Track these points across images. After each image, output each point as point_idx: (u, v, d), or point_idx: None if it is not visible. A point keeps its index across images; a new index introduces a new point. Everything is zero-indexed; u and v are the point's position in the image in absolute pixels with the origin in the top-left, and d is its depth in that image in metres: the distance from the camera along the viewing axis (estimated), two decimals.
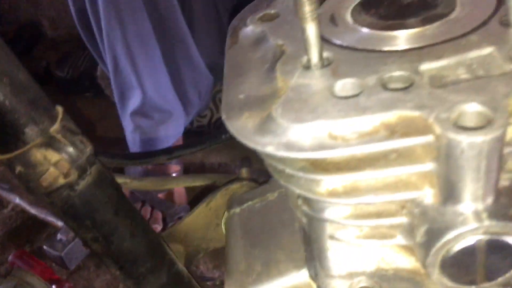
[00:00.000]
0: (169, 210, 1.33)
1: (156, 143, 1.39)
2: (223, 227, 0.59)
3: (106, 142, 1.70)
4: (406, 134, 0.31)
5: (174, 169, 1.45)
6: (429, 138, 0.30)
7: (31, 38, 2.08)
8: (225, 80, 0.42)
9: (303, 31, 0.37)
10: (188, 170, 1.51)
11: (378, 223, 0.37)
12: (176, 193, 1.39)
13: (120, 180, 0.57)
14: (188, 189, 1.42)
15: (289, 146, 0.33)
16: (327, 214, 0.37)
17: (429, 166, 0.32)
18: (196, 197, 1.41)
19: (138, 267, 0.56)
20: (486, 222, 0.31)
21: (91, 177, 0.48)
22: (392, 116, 0.32)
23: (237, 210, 0.58)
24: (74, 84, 1.83)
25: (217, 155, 1.53)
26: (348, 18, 0.43)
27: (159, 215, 1.33)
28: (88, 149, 0.47)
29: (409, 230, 0.36)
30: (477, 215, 0.32)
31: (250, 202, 0.58)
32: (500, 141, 0.29)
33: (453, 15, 0.39)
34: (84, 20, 1.28)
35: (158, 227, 1.31)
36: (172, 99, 1.36)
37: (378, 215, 0.36)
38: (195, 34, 1.33)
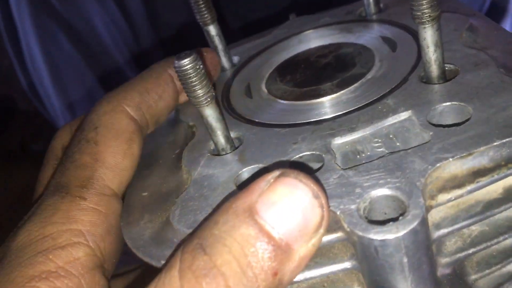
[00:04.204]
0: None
1: None
2: None
3: None
4: None
5: None
6: (340, 235, 0.25)
7: (5, 113, 2.05)
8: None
9: (201, 116, 0.33)
10: None
11: None
12: None
13: None
14: None
15: None
16: None
17: (350, 264, 0.27)
18: None
19: None
20: None
21: None
22: None
23: None
24: None
25: None
26: (263, 88, 0.39)
27: None
28: None
29: None
30: None
31: None
32: (420, 233, 0.24)
33: (370, 75, 0.35)
34: (36, 95, 1.29)
35: None
36: None
37: None
38: None
